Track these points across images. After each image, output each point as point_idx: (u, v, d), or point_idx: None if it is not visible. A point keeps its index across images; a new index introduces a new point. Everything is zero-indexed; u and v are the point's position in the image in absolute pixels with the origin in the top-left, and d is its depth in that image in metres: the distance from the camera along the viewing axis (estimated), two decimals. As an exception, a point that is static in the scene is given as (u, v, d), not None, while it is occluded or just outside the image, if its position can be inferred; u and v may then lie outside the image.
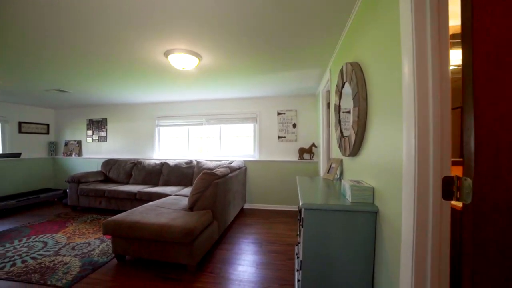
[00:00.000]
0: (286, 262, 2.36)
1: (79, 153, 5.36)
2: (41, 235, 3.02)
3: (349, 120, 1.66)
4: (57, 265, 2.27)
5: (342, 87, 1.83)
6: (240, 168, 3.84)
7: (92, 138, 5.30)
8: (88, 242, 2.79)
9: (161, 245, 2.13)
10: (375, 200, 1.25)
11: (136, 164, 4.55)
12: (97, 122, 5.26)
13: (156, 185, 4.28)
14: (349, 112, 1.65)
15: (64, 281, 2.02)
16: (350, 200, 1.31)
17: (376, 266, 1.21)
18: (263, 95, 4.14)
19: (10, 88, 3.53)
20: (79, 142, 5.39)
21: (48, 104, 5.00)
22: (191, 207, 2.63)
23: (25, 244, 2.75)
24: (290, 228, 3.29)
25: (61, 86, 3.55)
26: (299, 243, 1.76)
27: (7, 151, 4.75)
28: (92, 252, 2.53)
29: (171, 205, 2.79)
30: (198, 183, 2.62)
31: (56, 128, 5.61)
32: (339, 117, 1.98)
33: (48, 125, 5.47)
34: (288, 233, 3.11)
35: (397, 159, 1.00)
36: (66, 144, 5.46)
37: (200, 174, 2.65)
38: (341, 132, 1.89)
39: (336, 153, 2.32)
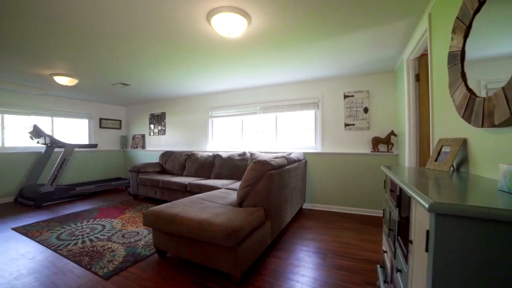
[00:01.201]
0: (364, 287, 1.68)
1: (143, 146, 5.70)
2: (103, 219, 3.12)
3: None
4: (105, 251, 2.20)
5: (476, 12, 1.07)
6: (299, 160, 3.26)
7: (153, 132, 5.56)
8: (137, 231, 2.69)
9: (201, 245, 1.75)
10: None
11: (190, 156, 4.48)
12: (157, 116, 5.48)
13: (208, 177, 4.08)
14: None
15: (105, 270, 1.88)
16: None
17: None
18: (326, 75, 3.45)
19: (87, 86, 3.86)
20: (143, 136, 5.74)
21: (120, 102, 5.47)
22: (240, 203, 2.20)
23: (90, 226, 2.89)
24: (362, 238, 2.53)
25: (123, 79, 3.67)
26: (382, 266, 1.09)
27: (93, 143, 5.39)
28: (138, 243, 2.38)
29: (218, 198, 2.43)
30: (248, 173, 2.17)
31: (126, 124, 6.14)
32: (462, 68, 1.20)
33: (120, 121, 6.03)
34: (361, 244, 2.37)
35: None
36: (133, 137, 5.91)
37: (251, 164, 2.20)
38: (470, 90, 1.12)
39: (446, 131, 1.51)
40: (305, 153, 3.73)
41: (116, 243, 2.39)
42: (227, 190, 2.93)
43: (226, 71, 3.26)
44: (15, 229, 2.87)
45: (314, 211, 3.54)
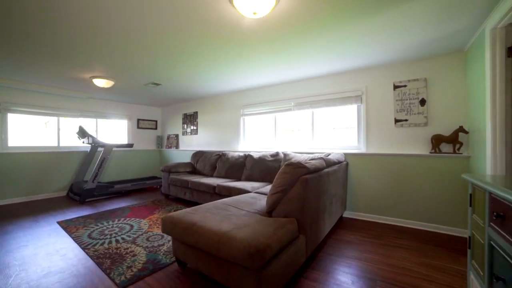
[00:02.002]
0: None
1: (177, 146, 5.78)
2: (133, 218, 3.12)
3: None
4: (127, 255, 2.11)
5: None
6: (339, 162, 2.82)
7: (186, 132, 5.59)
8: (162, 234, 2.58)
9: (221, 262, 1.50)
10: None
11: (221, 156, 4.33)
12: (190, 115, 5.49)
13: (239, 179, 3.87)
14: None
15: (123, 278, 1.76)
16: None
17: None
18: (371, 62, 2.94)
19: (122, 88, 3.98)
20: (177, 136, 5.82)
21: (155, 103, 5.63)
22: (269, 211, 1.90)
23: (119, 225, 2.90)
24: (423, 262, 2.01)
25: (154, 79, 3.68)
26: None
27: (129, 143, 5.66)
28: (161, 248, 2.24)
29: (246, 204, 2.16)
30: (280, 178, 1.86)
31: (162, 124, 6.32)
32: None
33: (156, 121, 6.23)
34: (423, 272, 1.86)
35: None
36: (168, 137, 6.04)
37: (283, 166, 1.88)
38: None
39: None
40: (346, 154, 3.25)
41: (140, 246, 2.29)
42: (257, 194, 2.65)
43: (255, 63, 2.99)
44: (59, 223, 3.02)
45: (357, 222, 3.05)
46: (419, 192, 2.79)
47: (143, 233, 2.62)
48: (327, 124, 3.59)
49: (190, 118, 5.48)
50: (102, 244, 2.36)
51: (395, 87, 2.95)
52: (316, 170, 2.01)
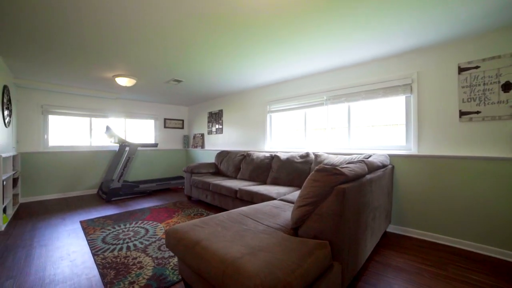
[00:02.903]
0: None
1: (202, 145, 5.63)
2: (150, 222, 2.96)
3: None
4: (134, 267, 1.90)
5: None
6: (384, 166, 2.28)
7: (212, 131, 5.41)
8: (176, 243, 2.34)
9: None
10: None
11: (245, 157, 4.02)
12: (215, 114, 5.29)
13: (264, 182, 3.50)
14: None
15: (122, 298, 1.50)
16: None
17: None
18: (425, 41, 2.33)
19: (145, 86, 3.91)
20: (202, 135, 5.68)
21: (181, 102, 5.56)
22: (295, 227, 1.51)
23: (135, 228, 2.76)
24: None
25: (175, 76, 3.51)
26: None
27: (157, 143, 5.68)
28: (170, 260, 1.98)
29: (267, 216, 1.79)
30: (308, 186, 1.45)
31: (188, 123, 6.26)
32: None
33: (182, 120, 6.19)
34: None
35: None
36: (194, 137, 5.94)
37: (313, 172, 1.47)
38: None
39: None
40: (390, 156, 2.68)
41: (149, 256, 2.06)
42: (282, 202, 2.26)
43: (281, 51, 2.59)
44: (81, 222, 2.99)
45: (406, 239, 2.47)
46: (501, 209, 2.12)
47: (156, 240, 2.41)
48: (366, 120, 3.03)
49: (215, 117, 5.28)
50: (113, 250, 2.19)
51: (461, 70, 2.30)
52: (356, 177, 1.55)
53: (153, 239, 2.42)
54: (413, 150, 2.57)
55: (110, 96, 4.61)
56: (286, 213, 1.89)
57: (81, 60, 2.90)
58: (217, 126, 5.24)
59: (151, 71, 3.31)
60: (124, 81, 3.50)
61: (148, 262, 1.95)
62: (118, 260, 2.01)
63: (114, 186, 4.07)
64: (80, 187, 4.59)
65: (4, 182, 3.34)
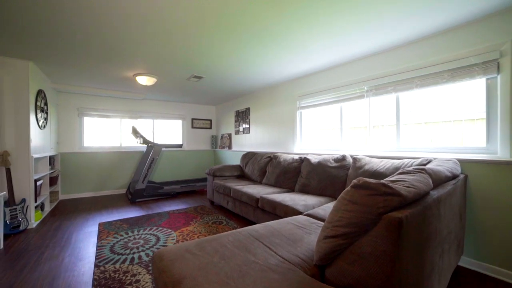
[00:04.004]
0: None
1: (229, 146, 5.37)
2: (165, 229, 2.76)
3: None
4: (130, 286, 1.61)
5: None
6: (454, 176, 1.63)
7: (239, 130, 5.10)
8: (183, 260, 2.03)
9: None
10: None
11: (272, 159, 3.59)
12: (242, 112, 4.97)
13: (291, 189, 3.03)
14: None
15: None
16: None
17: None
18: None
19: (166, 84, 3.77)
20: (229, 135, 5.41)
21: (209, 101, 5.39)
22: (319, 265, 1.05)
23: (147, 236, 2.58)
24: None
25: (195, 72, 3.27)
26: None
27: (185, 143, 5.61)
28: (171, 285, 1.67)
29: (286, 241, 1.36)
30: (341, 208, 0.98)
31: (216, 123, 6.07)
32: None
33: (210, 120, 6.02)
34: None
35: None
36: (222, 137, 5.71)
37: (349, 188, 0.99)
38: None
39: None
40: (461, 162, 1.97)
41: (150, 274, 1.79)
42: (309, 218, 1.79)
43: (311, 34, 2.11)
44: (100, 225, 2.93)
45: (489, 281, 1.76)
46: None
47: (164, 253, 2.16)
48: (421, 114, 2.35)
49: (242, 116, 4.96)
50: (116, 262, 1.99)
51: None
52: (418, 196, 1.01)
53: (161, 252, 2.17)
54: (500, 154, 1.84)
55: (137, 97, 4.63)
56: (311, 238, 1.42)
57: (103, 60, 2.86)
58: (244, 126, 4.91)
59: (170, 68, 3.13)
60: (144, 80, 3.39)
61: (146, 283, 1.67)
62: (116, 275, 1.77)
63: (138, 187, 4.02)
64: (111, 187, 4.70)
65: (41, 181, 3.50)
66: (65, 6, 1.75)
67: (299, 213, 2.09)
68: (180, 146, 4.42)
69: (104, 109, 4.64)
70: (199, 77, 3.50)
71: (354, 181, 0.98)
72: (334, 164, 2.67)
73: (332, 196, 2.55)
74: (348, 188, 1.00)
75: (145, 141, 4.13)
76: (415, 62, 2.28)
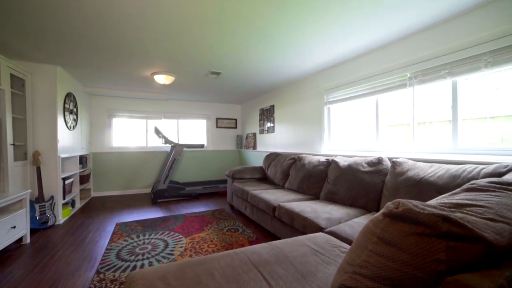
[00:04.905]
0: None
1: (254, 146, 5.10)
2: (176, 234, 2.61)
3: None
4: None
5: None
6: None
7: (263, 130, 4.81)
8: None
9: None
10: None
11: (295, 161, 3.22)
12: (266, 110, 4.66)
13: (316, 196, 2.64)
14: None
15: None
16: None
17: None
18: None
19: (185, 83, 3.66)
20: (254, 135, 5.15)
21: (233, 100, 5.21)
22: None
23: (156, 240, 2.45)
24: None
25: (212, 68, 3.08)
26: None
27: (210, 143, 5.52)
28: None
29: (293, 273, 1.04)
30: (366, 247, 0.63)
31: (242, 122, 5.86)
32: None
33: (236, 119, 5.83)
34: None
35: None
36: (246, 137, 5.48)
37: (379, 216, 0.79)
38: None
39: None
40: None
41: (146, 291, 1.60)
42: (332, 239, 1.42)
43: (339, 12, 1.72)
44: (116, 225, 2.91)
45: None
46: None
47: (171, 261, 1.97)
48: (488, 106, 1.77)
49: (267, 114, 4.65)
50: (118, 269, 1.88)
51: None
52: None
53: (167, 260, 1.99)
54: None
55: (161, 97, 4.64)
56: (329, 271, 1.06)
57: (124, 61, 2.87)
58: (268, 125, 4.60)
59: (186, 65, 2.99)
60: (161, 79, 3.30)
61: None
62: (113, 286, 1.63)
63: (160, 187, 3.99)
64: (137, 186, 4.80)
65: (72, 179, 3.67)
66: (89, 13, 1.81)
67: (320, 229, 1.71)
68: (202, 146, 4.30)
69: (131, 110, 4.76)
70: (217, 73, 3.29)
71: (389, 204, 0.61)
72: (368, 169, 2.21)
73: (364, 208, 2.10)
74: (379, 215, 0.64)
75: (167, 141, 4.09)
76: (483, 33, 1.72)
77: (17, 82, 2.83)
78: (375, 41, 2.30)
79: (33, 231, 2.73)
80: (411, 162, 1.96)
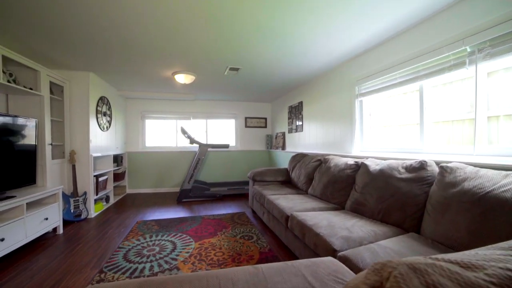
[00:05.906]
0: None
1: (283, 146, 4.79)
2: (188, 236, 2.53)
3: None
4: None
5: None
6: None
7: (292, 128, 4.46)
8: (177, 287, 1.65)
9: None
10: None
11: (321, 163, 2.83)
12: (295, 108, 4.31)
13: (340, 206, 2.23)
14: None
15: None
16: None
17: None
18: None
19: (204, 82, 3.57)
20: (283, 134, 4.83)
21: (262, 98, 4.99)
22: None
23: (165, 243, 2.37)
24: None
25: (229, 63, 2.92)
26: None
27: (238, 143, 5.41)
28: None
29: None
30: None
31: (272, 121, 5.60)
32: None
33: (265, 118, 5.59)
34: None
35: None
36: (276, 136, 5.20)
37: None
38: None
39: None
40: None
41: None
42: (343, 268, 1.09)
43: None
44: (137, 223, 2.97)
45: None
46: None
47: (172, 267, 1.86)
48: None
49: (295, 111, 4.30)
50: (118, 271, 1.84)
51: None
52: None
53: (168, 266, 1.88)
54: None
55: (188, 98, 4.69)
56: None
57: (144, 60, 2.87)
58: (297, 123, 4.25)
59: (206, 63, 2.91)
60: (182, 78, 3.27)
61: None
62: (104, 294, 1.56)
63: (185, 187, 4.01)
64: (167, 184, 4.95)
65: (106, 176, 3.94)
66: (117, 21, 1.93)
67: (333, 251, 1.36)
68: (227, 146, 4.19)
69: (161, 111, 4.94)
70: (236, 69, 3.11)
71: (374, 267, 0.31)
72: (405, 175, 1.74)
73: (399, 226, 1.64)
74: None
75: (192, 141, 4.09)
76: None
77: (57, 89, 3.12)
78: (420, 11, 1.80)
79: (68, 223, 2.97)
80: (470, 168, 1.44)
